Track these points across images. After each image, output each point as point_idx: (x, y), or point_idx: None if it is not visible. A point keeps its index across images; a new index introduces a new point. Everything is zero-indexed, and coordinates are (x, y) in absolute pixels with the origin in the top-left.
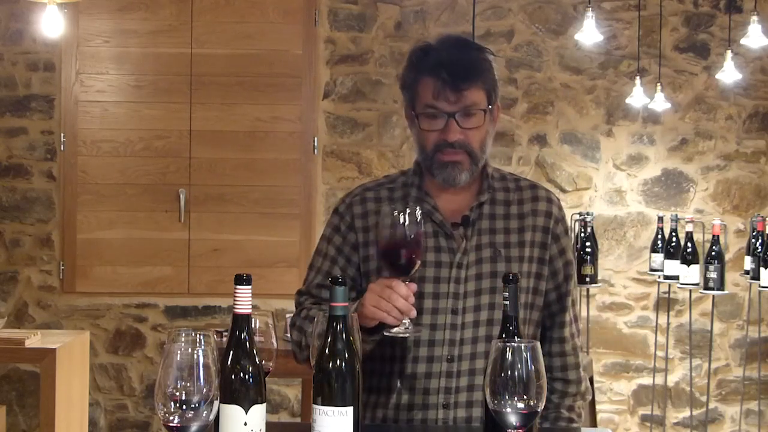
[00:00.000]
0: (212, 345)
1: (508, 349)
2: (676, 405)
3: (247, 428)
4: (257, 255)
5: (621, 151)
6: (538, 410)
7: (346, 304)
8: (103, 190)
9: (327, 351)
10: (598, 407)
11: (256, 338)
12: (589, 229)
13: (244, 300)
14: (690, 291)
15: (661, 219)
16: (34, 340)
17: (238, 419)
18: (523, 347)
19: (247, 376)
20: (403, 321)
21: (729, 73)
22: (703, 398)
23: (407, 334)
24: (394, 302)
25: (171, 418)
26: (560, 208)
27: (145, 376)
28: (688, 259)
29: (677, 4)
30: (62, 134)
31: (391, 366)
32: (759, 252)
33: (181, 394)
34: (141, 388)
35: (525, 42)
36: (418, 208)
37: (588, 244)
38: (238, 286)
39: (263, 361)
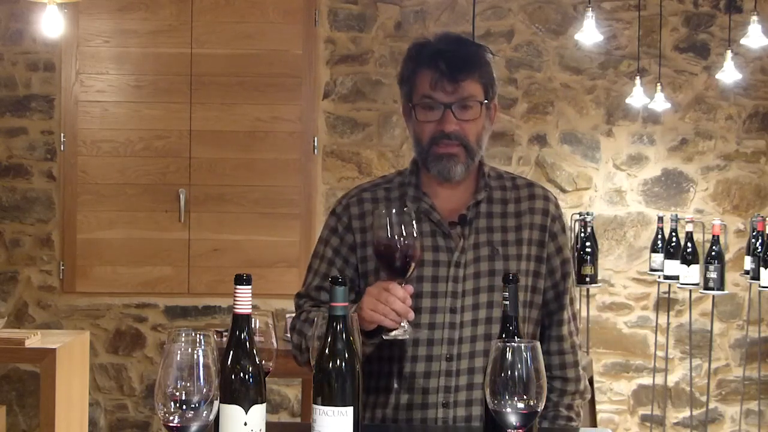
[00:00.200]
0: (212, 345)
1: (508, 349)
2: (676, 405)
3: (247, 428)
4: (257, 255)
5: (621, 151)
6: (538, 410)
7: (346, 304)
8: (103, 190)
9: (327, 351)
10: (598, 407)
11: (256, 338)
12: (589, 229)
13: (244, 300)
14: (690, 291)
15: (661, 219)
16: (34, 340)
17: (238, 419)
18: (523, 347)
19: (247, 376)
20: (402, 323)
21: (729, 73)
22: (703, 398)
23: (406, 337)
24: (391, 305)
25: (171, 418)
26: (557, 206)
27: (145, 376)
28: (688, 259)
29: (677, 4)
30: (62, 134)
31: (390, 366)
32: (759, 252)
33: (181, 394)
34: (141, 388)
35: (525, 42)
36: (412, 209)
37: (588, 244)
38: (238, 286)
39: (263, 361)
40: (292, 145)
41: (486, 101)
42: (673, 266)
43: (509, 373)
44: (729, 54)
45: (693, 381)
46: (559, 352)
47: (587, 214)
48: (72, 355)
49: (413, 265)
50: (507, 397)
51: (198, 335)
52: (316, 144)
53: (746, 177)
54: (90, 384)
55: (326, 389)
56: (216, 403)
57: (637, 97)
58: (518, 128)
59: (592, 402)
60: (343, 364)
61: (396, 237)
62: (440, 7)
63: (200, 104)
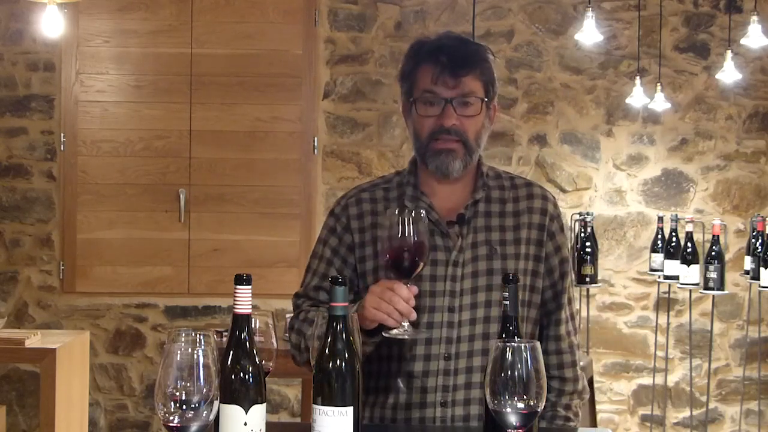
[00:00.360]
0: (212, 345)
1: (508, 349)
2: (676, 405)
3: (247, 428)
4: (257, 255)
5: (621, 151)
6: (538, 410)
7: (346, 304)
8: (103, 190)
9: (327, 351)
10: (598, 407)
11: (256, 338)
12: (589, 229)
13: (244, 300)
14: (690, 291)
15: (661, 219)
16: (34, 340)
17: (238, 419)
18: (523, 347)
19: (247, 376)
20: (403, 323)
21: (729, 73)
22: (703, 398)
23: (406, 336)
24: (395, 304)
25: (171, 418)
26: (555, 205)
27: (145, 376)
28: (688, 259)
29: (677, 4)
30: (62, 134)
31: (388, 365)
32: (759, 252)
33: (181, 394)
34: (141, 388)
35: (525, 42)
36: (423, 211)
37: (588, 244)
38: (238, 286)
39: (263, 361)
40: (292, 145)
41: (486, 99)
42: (673, 266)
43: (509, 373)
44: (729, 54)
45: (693, 381)
46: (557, 351)
47: (587, 214)
48: (72, 355)
49: (421, 265)
50: (507, 397)
51: (198, 335)
52: (316, 144)
53: (746, 177)
54: (90, 384)
55: (326, 389)
56: (216, 403)
57: (637, 97)
58: (518, 128)
59: (592, 402)
60: (343, 364)
61: (406, 237)
62: (440, 7)
63: (200, 104)
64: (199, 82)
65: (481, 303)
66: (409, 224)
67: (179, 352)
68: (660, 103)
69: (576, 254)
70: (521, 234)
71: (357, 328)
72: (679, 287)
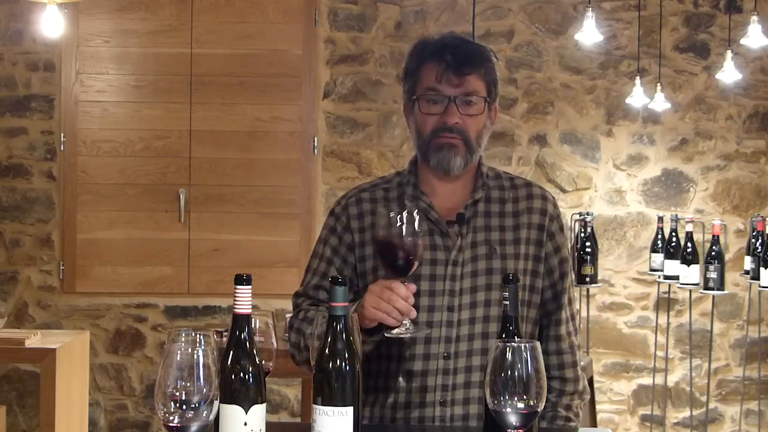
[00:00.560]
0: (212, 345)
1: (508, 349)
2: (676, 405)
3: (247, 428)
4: (257, 255)
5: (621, 151)
6: (539, 410)
7: (346, 303)
8: (103, 190)
9: (327, 351)
10: (598, 407)
11: (256, 338)
12: (589, 229)
13: (244, 300)
14: (690, 291)
15: (661, 219)
16: (34, 340)
17: (238, 419)
18: (523, 347)
19: (247, 376)
20: (403, 322)
21: (729, 73)
22: (703, 398)
23: (407, 335)
24: (393, 303)
25: (171, 418)
26: (555, 205)
27: (145, 376)
28: (688, 259)
29: (677, 4)
30: (62, 134)
31: (387, 364)
32: (759, 252)
33: (181, 394)
34: (141, 388)
35: (525, 42)
36: (415, 208)
37: (588, 244)
38: (238, 286)
39: (263, 361)
40: (292, 145)
41: (489, 99)
42: (673, 266)
43: (509, 373)
44: (729, 54)
45: (693, 381)
46: (558, 352)
47: (587, 214)
48: (72, 355)
49: (416, 263)
50: (507, 397)
51: (198, 335)
52: (316, 144)
53: (746, 177)
54: (90, 384)
55: (326, 389)
56: (216, 403)
57: (637, 97)
58: (518, 128)
59: (592, 402)
60: (343, 364)
61: (400, 235)
62: (440, 7)
63: (200, 104)
64: (199, 82)
65: (481, 302)
66: (401, 223)
67: (179, 352)
68: (660, 103)
69: (576, 254)
70: (521, 234)
71: (357, 328)
72: (679, 287)
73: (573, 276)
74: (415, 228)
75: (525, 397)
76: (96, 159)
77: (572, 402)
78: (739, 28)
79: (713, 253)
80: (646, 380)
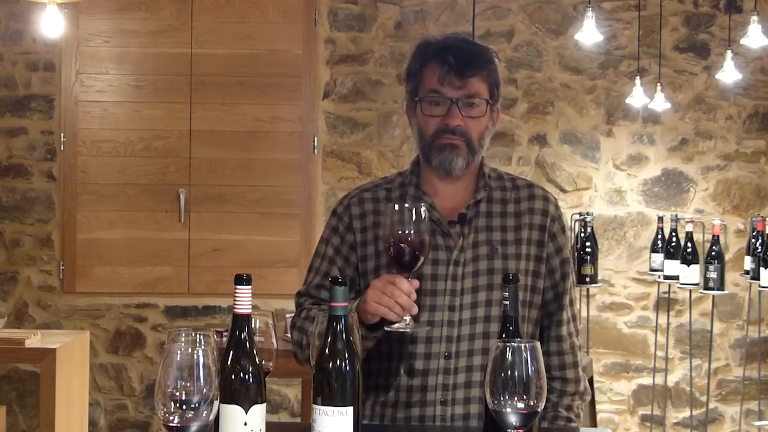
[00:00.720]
0: (212, 345)
1: (508, 349)
2: (676, 405)
3: (247, 428)
4: (257, 255)
5: (621, 151)
6: (539, 410)
7: (346, 304)
8: (103, 190)
9: (327, 351)
10: (598, 407)
11: (256, 338)
12: (589, 229)
13: (244, 300)
14: (690, 291)
15: (661, 219)
16: (34, 340)
17: (238, 419)
18: (523, 347)
19: (247, 376)
20: (404, 317)
21: (729, 73)
22: (703, 398)
23: (408, 329)
24: (396, 298)
25: (171, 418)
26: (557, 206)
27: (145, 376)
28: (688, 259)
29: (677, 4)
30: (62, 134)
31: (389, 363)
32: (759, 252)
33: (181, 394)
34: (141, 388)
35: (525, 42)
36: (423, 205)
37: (588, 244)
38: (238, 286)
39: (263, 361)
40: (292, 145)
41: (491, 101)
42: (673, 266)
43: (509, 373)
44: (729, 54)
45: (693, 381)
46: (559, 352)
47: (587, 214)
48: (72, 355)
49: (422, 259)
50: (507, 397)
51: (198, 335)
52: (316, 144)
53: (746, 177)
54: (90, 384)
55: (326, 389)
56: (216, 403)
57: (637, 97)
58: (518, 128)
59: (592, 402)
60: (343, 364)
61: (406, 230)
62: (440, 7)
63: (200, 104)
64: (199, 82)
65: (482, 302)
66: (410, 219)
67: (179, 352)
68: (660, 103)
69: (576, 254)
70: (522, 234)
71: (356, 327)
72: (679, 287)
73: (574, 276)
74: (423, 224)
75: (525, 397)
76: (96, 159)
77: (573, 402)
78: (739, 28)
79: (713, 253)
80: (646, 380)
